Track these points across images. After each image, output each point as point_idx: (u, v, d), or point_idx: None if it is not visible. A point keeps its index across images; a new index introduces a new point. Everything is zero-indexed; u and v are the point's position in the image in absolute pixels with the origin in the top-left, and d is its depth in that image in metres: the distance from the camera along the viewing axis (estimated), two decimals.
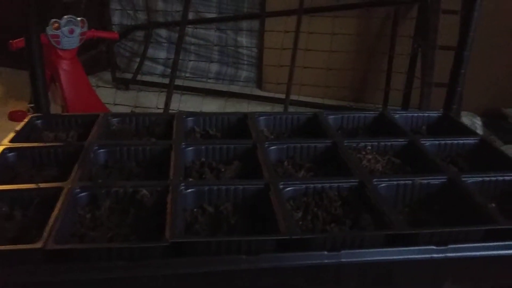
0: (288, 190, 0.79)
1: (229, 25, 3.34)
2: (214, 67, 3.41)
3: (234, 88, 3.20)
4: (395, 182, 0.83)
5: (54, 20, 2.45)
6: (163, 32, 3.40)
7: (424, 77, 2.60)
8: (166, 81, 3.20)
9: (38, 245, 0.63)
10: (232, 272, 0.67)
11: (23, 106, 2.77)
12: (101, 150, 0.89)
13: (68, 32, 2.46)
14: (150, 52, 3.34)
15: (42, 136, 0.97)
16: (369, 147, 0.96)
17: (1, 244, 0.67)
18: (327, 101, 2.86)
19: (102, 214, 0.74)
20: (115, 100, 2.69)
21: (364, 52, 3.06)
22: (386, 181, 0.82)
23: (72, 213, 0.73)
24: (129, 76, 3.27)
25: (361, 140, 0.97)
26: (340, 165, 0.89)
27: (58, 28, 2.35)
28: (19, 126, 0.97)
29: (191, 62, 3.35)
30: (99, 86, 2.96)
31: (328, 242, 0.68)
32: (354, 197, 0.80)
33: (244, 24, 3.33)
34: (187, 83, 3.16)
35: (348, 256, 0.68)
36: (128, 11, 3.36)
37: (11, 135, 0.93)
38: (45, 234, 0.65)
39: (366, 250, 0.69)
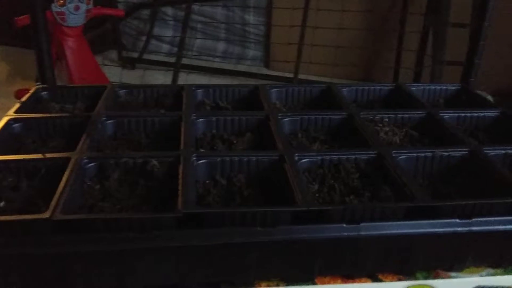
0: (304, 161, 0.76)
1: (236, 2, 3.28)
2: (221, 46, 3.36)
3: (241, 67, 3.15)
4: (414, 154, 0.79)
5: None
6: (169, 10, 3.34)
7: (435, 55, 2.54)
8: (172, 60, 3.16)
9: (45, 215, 0.60)
10: (247, 244, 0.64)
11: (30, 84, 2.74)
12: (109, 121, 0.86)
13: (73, 9, 2.42)
14: (156, 30, 3.28)
15: (48, 107, 0.94)
16: (386, 119, 0.92)
17: (8, 214, 0.64)
18: (336, 80, 2.80)
19: (111, 185, 0.71)
20: (121, 79, 2.65)
21: (373, 30, 3.00)
22: (406, 153, 0.79)
23: (80, 184, 0.70)
24: (135, 55, 3.22)
25: (377, 112, 0.94)
26: (357, 137, 0.86)
27: (63, 5, 2.31)
28: (24, 97, 0.94)
29: (198, 40, 3.29)
30: (105, 65, 2.93)
31: (347, 214, 0.65)
32: (372, 169, 0.77)
33: (251, 1, 3.26)
34: (193, 62, 3.11)
35: (368, 229, 0.65)
36: None
37: (16, 105, 0.90)
38: (52, 204, 0.62)
39: (386, 223, 0.66)
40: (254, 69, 3.13)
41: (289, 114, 0.91)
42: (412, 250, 0.69)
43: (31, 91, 0.97)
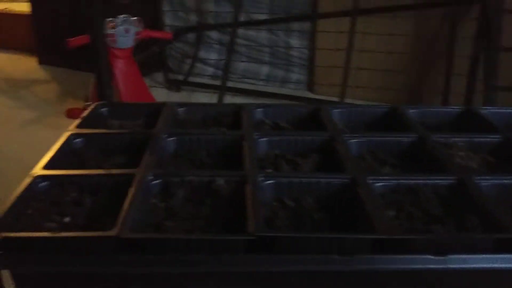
0: (378, 186, 0.71)
1: (279, 26, 3.29)
2: (265, 69, 3.36)
3: (285, 91, 3.13)
4: (498, 181, 0.73)
5: (110, 19, 2.47)
6: (214, 34, 3.38)
7: (488, 80, 2.44)
8: (216, 82, 3.18)
9: (112, 233, 0.57)
10: (323, 273, 0.59)
11: (79, 104, 2.81)
12: (170, 139, 0.84)
13: (123, 31, 2.47)
14: (201, 54, 3.32)
15: (107, 123, 0.93)
16: (461, 143, 0.86)
17: (71, 230, 0.62)
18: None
19: (175, 204, 0.68)
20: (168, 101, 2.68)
21: (421, 54, 2.93)
22: (489, 179, 0.73)
23: (145, 201, 0.67)
24: (180, 77, 3.26)
25: (451, 136, 0.88)
26: (431, 162, 0.80)
27: (114, 27, 2.37)
28: (84, 113, 0.94)
29: (242, 64, 3.31)
30: (152, 87, 2.98)
31: (433, 244, 0.59)
32: (453, 196, 0.71)
33: (295, 25, 3.26)
34: (237, 85, 3.12)
35: (456, 262, 0.59)
36: (180, 13, 3.37)
37: (77, 121, 0.89)
38: (118, 222, 0.59)
39: (476, 256, 0.60)
40: (297, 93, 3.10)
41: (355, 135, 0.86)
42: (504, 286, 0.62)
43: (90, 107, 0.96)
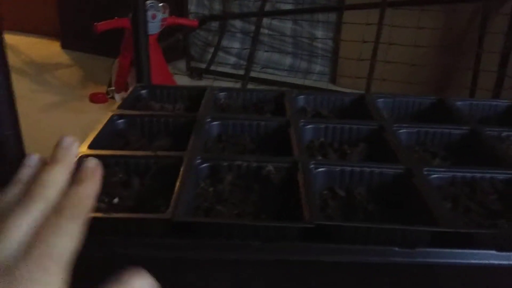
0: (433, 177, 0.68)
1: (304, 16, 3.24)
2: (287, 60, 3.33)
3: (307, 82, 3.09)
4: None
5: None
6: (237, 23, 3.35)
7: None
8: (238, 72, 3.15)
9: (167, 215, 0.56)
10: (382, 265, 0.57)
11: (102, 89, 2.81)
12: (214, 123, 0.82)
13: (150, 17, 2.46)
14: (224, 43, 3.30)
15: (148, 106, 0.91)
16: None
17: (121, 212, 0.61)
18: None
19: (224, 189, 0.66)
20: None
21: (449, 48, 2.87)
22: None
23: (194, 185, 0.66)
24: (202, 65, 3.25)
25: (503, 129, 0.84)
26: (484, 155, 0.77)
27: None
28: (125, 95, 0.92)
29: (265, 54, 3.28)
30: (174, 74, 2.96)
31: (498, 239, 0.57)
32: (511, 190, 0.68)
33: (320, 16, 3.21)
34: (259, 75, 3.10)
35: None
36: (205, 1, 3.34)
37: (118, 103, 0.88)
38: (171, 204, 0.58)
39: None
40: (320, 84, 3.06)
41: (404, 125, 0.83)
42: None
43: (130, 90, 0.95)
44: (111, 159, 0.69)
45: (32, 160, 0.49)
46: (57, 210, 0.44)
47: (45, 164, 0.48)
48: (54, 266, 0.39)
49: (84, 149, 0.70)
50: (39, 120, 2.64)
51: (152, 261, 0.58)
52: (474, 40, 2.79)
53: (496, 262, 0.56)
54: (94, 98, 2.67)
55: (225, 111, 0.92)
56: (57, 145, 0.52)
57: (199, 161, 0.69)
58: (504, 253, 0.56)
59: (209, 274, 0.59)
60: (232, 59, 3.36)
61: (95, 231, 0.55)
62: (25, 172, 0.47)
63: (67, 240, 0.42)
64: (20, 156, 0.54)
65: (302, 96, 0.96)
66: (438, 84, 2.95)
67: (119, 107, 0.86)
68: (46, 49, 3.90)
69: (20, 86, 3.13)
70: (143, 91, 0.96)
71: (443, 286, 0.59)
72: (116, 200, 0.62)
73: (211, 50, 3.32)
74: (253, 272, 0.58)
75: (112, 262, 0.59)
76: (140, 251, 0.56)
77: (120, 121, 0.82)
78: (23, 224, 0.41)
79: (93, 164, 0.50)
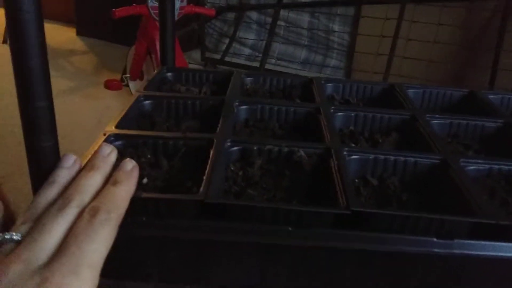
0: (470, 169, 0.66)
1: (322, 10, 3.21)
2: (303, 53, 3.30)
3: (322, 76, 3.06)
4: None
5: None
6: (253, 14, 3.33)
7: None
8: (252, 64, 3.13)
9: (200, 197, 0.54)
10: (419, 255, 0.55)
11: (117, 76, 2.81)
12: (242, 107, 0.80)
13: None
14: (239, 34, 3.28)
15: (173, 88, 0.90)
16: None
17: (151, 192, 0.59)
18: None
19: (255, 173, 0.65)
20: None
21: (469, 46, 2.82)
22: None
23: (224, 168, 0.64)
24: (217, 56, 3.23)
25: None
26: None
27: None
28: (150, 77, 0.91)
29: (279, 46, 3.25)
30: (189, 64, 2.95)
31: None
32: None
33: (339, 9, 3.18)
34: (273, 67, 3.07)
35: None
36: None
37: (144, 83, 0.86)
38: (203, 186, 0.56)
39: None
40: None
41: (437, 116, 0.81)
42: None
43: (156, 72, 0.93)
44: (139, 139, 0.68)
45: (69, 161, 0.48)
46: (91, 214, 0.43)
47: (80, 166, 0.47)
48: (86, 271, 0.38)
49: (111, 128, 0.69)
50: (55, 105, 2.64)
51: (182, 243, 0.57)
52: (493, 38, 2.75)
53: None
54: (109, 85, 2.66)
55: (251, 96, 0.90)
56: (96, 152, 0.51)
57: (229, 144, 0.67)
58: None
59: (239, 258, 0.58)
60: (247, 51, 3.34)
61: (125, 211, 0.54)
62: (62, 174, 0.47)
63: (100, 245, 0.41)
64: (52, 129, 0.53)
65: (331, 84, 0.94)
66: (456, 82, 2.91)
67: (145, 88, 0.85)
68: (62, 35, 3.90)
69: None
70: (169, 74, 0.94)
71: (481, 279, 0.57)
72: (145, 180, 0.61)
73: (226, 41, 3.30)
74: (284, 257, 0.57)
75: (142, 244, 0.58)
76: (170, 233, 0.55)
77: (146, 102, 0.81)
78: (59, 227, 0.40)
79: (130, 166, 0.49)
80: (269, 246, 0.56)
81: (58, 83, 3.00)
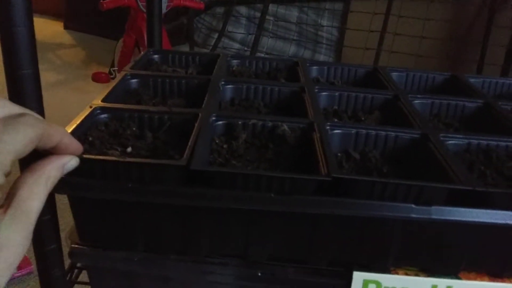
0: (450, 143, 0.68)
1: (311, 5, 3.23)
2: (291, 48, 3.31)
3: None
4: None
5: None
6: (242, 9, 3.33)
7: None
8: None
9: (182, 162, 0.55)
10: (398, 221, 0.57)
11: (105, 69, 2.80)
12: (228, 86, 0.81)
13: None
14: (228, 28, 3.28)
15: (160, 69, 0.90)
16: None
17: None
18: None
19: (239, 146, 0.66)
20: None
21: (456, 41, 2.86)
22: None
23: (209, 141, 0.65)
24: (205, 51, 3.23)
25: None
26: (500, 127, 0.76)
27: None
28: (137, 58, 0.91)
29: (268, 41, 3.26)
30: None
31: None
32: None
33: (327, 4, 3.20)
34: None
35: None
36: None
37: (130, 64, 0.87)
38: (186, 154, 0.57)
39: None
40: None
41: (419, 96, 0.83)
42: None
43: (143, 53, 0.94)
44: (124, 113, 0.68)
45: None
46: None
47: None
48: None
49: (97, 102, 0.70)
50: (43, 98, 2.62)
51: (167, 210, 0.58)
52: (481, 32, 2.79)
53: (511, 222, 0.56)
54: (97, 78, 2.65)
55: (237, 77, 0.91)
56: None
57: (214, 118, 0.68)
58: None
59: (223, 225, 0.59)
60: (236, 45, 3.34)
61: (108, 176, 0.55)
62: None
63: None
64: (38, 98, 0.53)
65: (316, 67, 0.95)
66: None
67: (131, 68, 0.85)
68: (49, 29, 3.87)
69: None
70: (155, 56, 0.95)
71: (458, 244, 0.59)
72: (129, 149, 0.62)
73: (215, 35, 3.30)
74: (267, 223, 0.58)
75: (121, 208, 0.59)
76: (154, 199, 0.56)
77: (133, 80, 0.81)
78: None
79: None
80: (252, 213, 0.57)
81: (46, 76, 2.98)
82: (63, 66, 3.15)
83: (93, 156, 0.55)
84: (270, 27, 3.29)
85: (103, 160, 0.55)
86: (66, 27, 3.89)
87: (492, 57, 2.71)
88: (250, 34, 3.14)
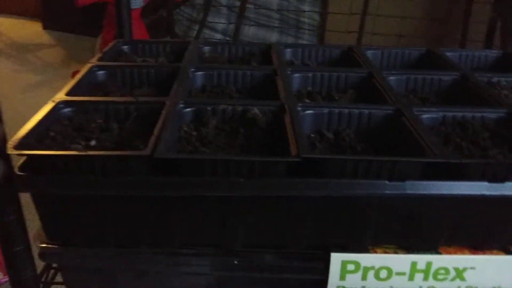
0: (424, 117, 0.66)
1: None
2: (274, 36, 3.28)
3: None
4: None
5: None
6: None
7: (504, 47, 2.39)
8: None
9: (146, 152, 0.53)
10: (372, 198, 0.55)
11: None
12: (198, 73, 0.79)
13: None
14: (209, 19, 3.24)
15: (129, 60, 0.88)
16: (504, 83, 0.81)
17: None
18: None
19: (209, 133, 0.64)
20: None
21: (437, 19, 2.85)
22: None
23: (177, 129, 0.63)
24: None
25: (494, 75, 0.83)
26: (476, 99, 0.75)
27: None
28: (105, 49, 0.89)
29: (251, 30, 3.22)
30: None
31: (490, 170, 0.55)
32: (503, 128, 0.67)
33: None
34: None
35: None
36: None
37: (98, 55, 0.84)
38: (151, 142, 0.55)
39: None
40: None
41: (394, 72, 0.81)
42: None
43: (111, 44, 0.91)
44: (89, 105, 0.66)
45: None
46: None
47: None
48: None
49: (61, 95, 0.67)
50: (23, 99, 2.58)
51: (134, 201, 0.56)
52: (462, 10, 2.77)
53: (488, 193, 0.55)
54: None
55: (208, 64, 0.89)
56: None
57: (182, 105, 0.66)
58: (496, 184, 0.55)
59: (194, 213, 0.57)
60: (218, 36, 3.30)
61: (71, 171, 0.53)
62: None
63: None
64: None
65: (290, 49, 0.93)
66: None
67: (99, 60, 0.83)
68: (28, 30, 3.80)
69: (3, 67, 3.06)
70: (125, 46, 0.92)
71: (434, 217, 0.58)
72: (93, 142, 0.60)
73: (196, 27, 3.25)
74: (240, 210, 0.56)
75: (87, 203, 0.57)
76: (119, 191, 0.54)
77: (100, 72, 0.79)
78: None
79: None
80: (224, 200, 0.56)
81: (26, 78, 2.93)
82: (44, 66, 3.09)
83: (52, 152, 0.53)
84: (252, 15, 3.25)
85: (63, 155, 0.53)
86: (45, 27, 3.82)
87: (474, 35, 2.70)
88: (231, 23, 3.10)
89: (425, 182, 0.55)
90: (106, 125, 0.65)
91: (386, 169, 0.55)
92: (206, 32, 3.26)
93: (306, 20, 3.22)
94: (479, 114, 0.68)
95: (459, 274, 0.60)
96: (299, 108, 0.66)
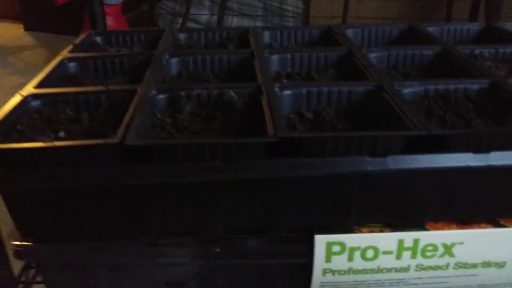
0: (406, 92, 0.65)
1: None
2: (258, 25, 3.24)
3: None
4: None
5: None
6: None
7: (488, 22, 2.38)
8: None
9: (115, 140, 0.51)
10: (354, 176, 0.53)
11: None
12: (173, 60, 0.76)
13: None
14: (192, 11, 3.20)
15: (102, 51, 0.85)
16: (487, 54, 0.80)
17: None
18: None
19: (184, 119, 0.62)
20: None
21: (421, 0, 2.83)
22: None
23: (150, 116, 0.61)
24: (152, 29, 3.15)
25: (476, 47, 0.81)
26: (459, 71, 0.73)
27: None
28: (77, 40, 0.86)
29: (234, 20, 3.19)
30: None
31: (474, 140, 0.53)
32: (486, 99, 0.65)
33: None
34: None
35: (498, 159, 0.54)
36: None
37: (69, 47, 0.82)
38: (120, 130, 0.53)
39: None
40: None
41: (374, 49, 0.79)
42: None
43: (83, 36, 0.88)
44: (58, 97, 0.64)
45: None
46: None
47: None
48: None
49: (29, 88, 0.65)
50: (6, 101, 2.54)
51: (107, 192, 0.54)
52: None
53: (473, 164, 0.53)
54: None
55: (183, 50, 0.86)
56: None
57: (155, 92, 0.64)
58: (481, 154, 0.53)
59: (171, 201, 0.55)
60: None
61: (39, 163, 0.51)
62: None
63: None
64: None
65: (268, 32, 0.91)
66: None
67: (71, 51, 0.80)
68: (9, 32, 3.74)
69: None
70: (98, 38, 0.89)
71: (419, 193, 0.56)
72: (62, 134, 0.57)
73: (179, 20, 3.21)
74: (218, 195, 0.54)
75: (57, 195, 0.54)
76: (89, 181, 0.52)
77: (71, 64, 0.76)
78: None
79: None
80: (201, 185, 0.54)
81: (9, 81, 2.88)
82: (27, 68, 3.04)
83: (17, 145, 0.50)
84: (234, 5, 3.21)
85: (29, 148, 0.51)
86: (26, 29, 3.76)
87: (458, 14, 2.68)
88: (214, 15, 3.06)
89: (407, 156, 0.53)
90: (76, 116, 0.62)
91: (366, 145, 0.53)
92: (190, 25, 3.22)
93: (289, 8, 3.19)
94: (461, 86, 0.66)
95: (448, 250, 0.58)
96: (277, 89, 0.64)
